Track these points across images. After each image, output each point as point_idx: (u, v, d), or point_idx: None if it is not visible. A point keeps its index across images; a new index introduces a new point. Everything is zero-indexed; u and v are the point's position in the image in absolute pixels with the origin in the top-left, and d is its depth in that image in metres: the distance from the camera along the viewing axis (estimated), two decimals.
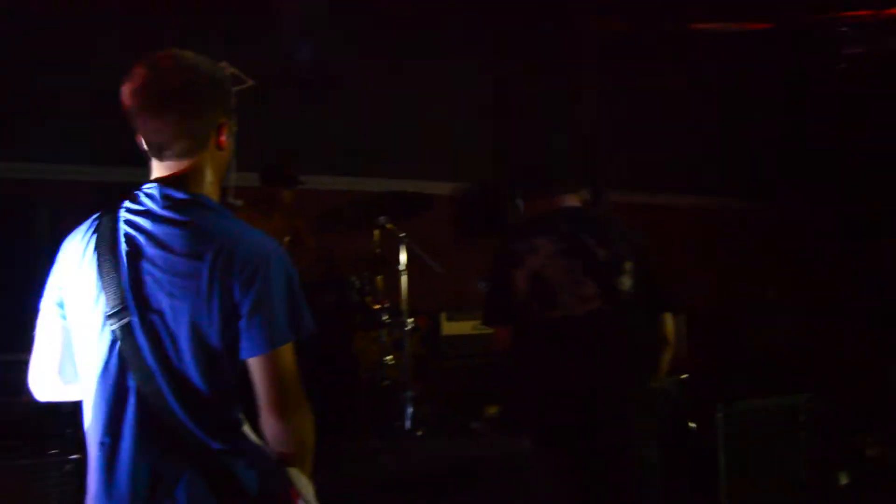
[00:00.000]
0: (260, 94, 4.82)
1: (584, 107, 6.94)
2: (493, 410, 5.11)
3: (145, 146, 1.77)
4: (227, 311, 1.65)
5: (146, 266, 1.68)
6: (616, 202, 6.29)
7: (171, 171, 1.75)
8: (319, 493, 1.73)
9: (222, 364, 1.67)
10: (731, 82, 7.50)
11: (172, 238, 1.68)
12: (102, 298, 1.69)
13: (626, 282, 2.90)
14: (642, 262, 2.96)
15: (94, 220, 1.79)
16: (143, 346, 1.66)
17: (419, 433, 4.77)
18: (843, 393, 4.98)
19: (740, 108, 7.56)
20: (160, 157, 1.76)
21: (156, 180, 1.76)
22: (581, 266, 2.90)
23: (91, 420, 1.73)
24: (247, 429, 1.75)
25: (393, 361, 5.09)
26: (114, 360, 1.69)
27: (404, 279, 5.08)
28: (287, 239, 4.92)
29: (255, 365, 1.68)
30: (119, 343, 1.67)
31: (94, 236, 1.75)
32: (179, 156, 1.75)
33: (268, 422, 1.69)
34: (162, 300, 1.66)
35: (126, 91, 1.71)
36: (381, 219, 5.07)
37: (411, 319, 5.06)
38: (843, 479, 4.60)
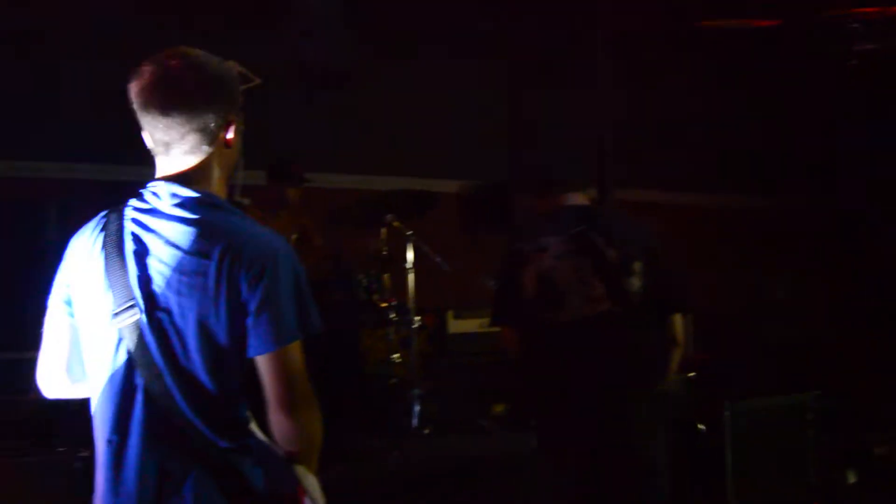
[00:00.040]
0: (268, 93, 4.82)
1: (592, 104, 6.93)
2: (499, 408, 5.12)
3: (152, 144, 1.76)
4: (234, 308, 1.65)
5: (153, 264, 1.68)
6: (622, 200, 6.29)
7: (178, 169, 1.75)
8: (326, 491, 1.74)
9: (230, 362, 1.67)
10: (739, 79, 7.47)
11: (180, 236, 1.68)
12: (109, 297, 1.69)
13: (636, 283, 2.87)
14: (652, 262, 2.92)
15: (101, 218, 1.79)
16: (151, 344, 1.66)
17: (426, 431, 4.78)
18: (850, 391, 4.96)
19: (748, 105, 7.54)
20: (167, 155, 1.75)
21: (162, 178, 1.76)
22: (589, 266, 2.87)
23: (98, 418, 1.74)
24: (254, 427, 1.75)
25: (400, 359, 5.10)
26: (121, 359, 1.69)
27: (411, 277, 5.09)
28: (294, 237, 4.93)
29: (263, 363, 1.68)
30: (126, 341, 1.67)
31: (101, 234, 1.74)
32: (187, 154, 1.74)
33: (276, 419, 1.69)
34: (169, 298, 1.66)
35: (134, 89, 1.71)
36: (389, 217, 5.08)
37: (418, 317, 5.07)
38: (851, 478, 4.58)
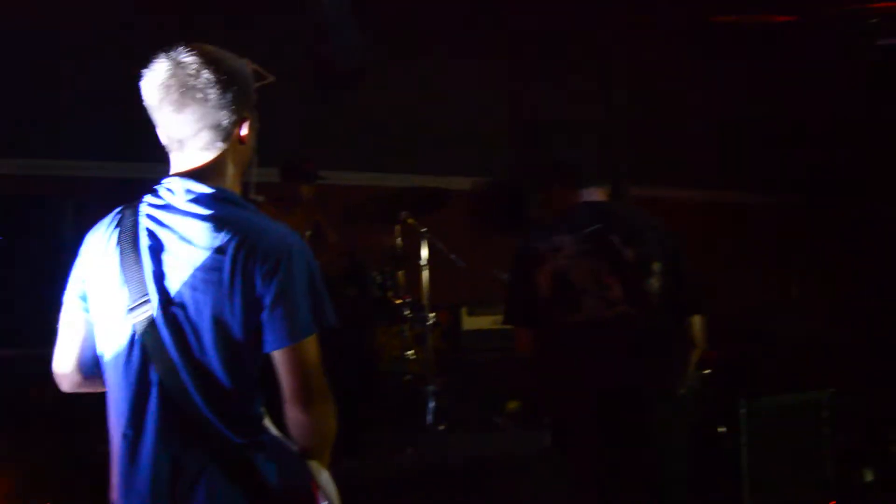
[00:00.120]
0: (281, 91, 4.83)
1: (607, 100, 6.91)
2: (513, 405, 5.11)
3: (166, 140, 1.77)
4: (249, 303, 1.66)
5: (168, 259, 1.69)
6: (636, 196, 6.26)
7: (193, 165, 1.76)
8: (340, 486, 1.74)
9: (244, 357, 1.68)
10: (754, 75, 7.42)
11: (194, 231, 1.69)
12: (124, 292, 1.70)
13: (655, 284, 2.77)
14: (672, 262, 2.81)
15: (116, 214, 1.80)
16: (166, 339, 1.66)
17: (441, 427, 4.79)
18: (867, 389, 4.93)
19: (763, 102, 7.49)
20: (182, 152, 1.76)
21: (177, 174, 1.76)
22: (606, 267, 2.76)
23: (114, 412, 1.75)
24: (268, 422, 1.76)
25: (414, 356, 5.12)
26: (136, 354, 1.70)
27: (425, 274, 5.10)
28: (308, 234, 4.95)
29: (278, 357, 1.68)
30: (141, 336, 1.68)
31: (116, 230, 1.76)
32: (201, 150, 1.75)
33: (291, 413, 1.69)
34: (184, 293, 1.67)
35: (147, 86, 1.72)
36: (403, 214, 5.09)
37: (433, 314, 5.08)
38: (868, 476, 4.55)
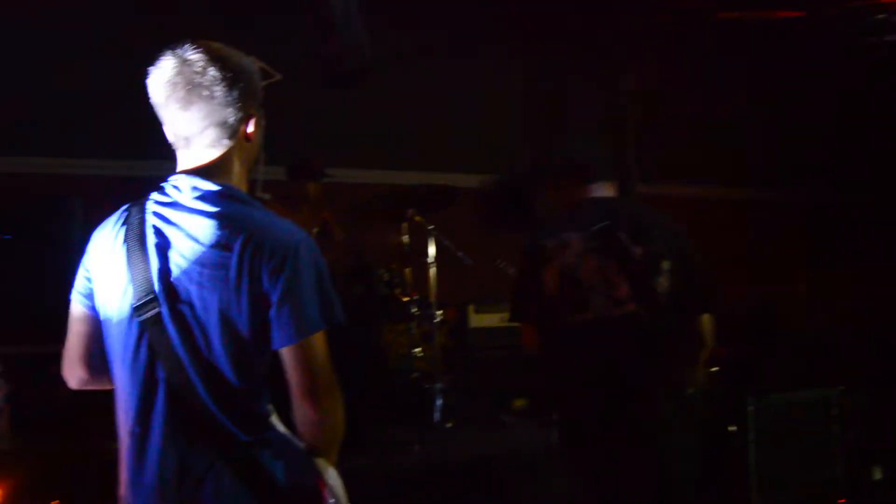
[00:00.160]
0: (289, 88, 4.84)
1: (613, 98, 6.90)
2: (520, 403, 5.12)
3: (173, 138, 1.77)
4: (256, 300, 1.66)
5: (174, 257, 1.69)
6: (643, 193, 6.25)
7: (199, 163, 1.76)
8: (348, 484, 1.74)
9: (252, 354, 1.68)
10: (763, 72, 7.39)
11: (200, 229, 1.69)
12: (131, 290, 1.71)
13: (663, 283, 2.74)
14: (682, 260, 2.78)
15: (123, 212, 1.80)
16: (173, 336, 1.67)
17: (448, 425, 4.79)
18: (876, 386, 4.91)
19: (773, 98, 7.46)
20: (188, 149, 1.76)
21: (183, 171, 1.77)
22: (614, 265, 2.74)
23: (122, 409, 1.75)
24: (275, 420, 1.76)
25: (422, 353, 5.12)
26: (143, 351, 1.70)
27: (433, 272, 5.10)
28: (315, 231, 4.96)
29: (287, 354, 1.68)
30: (148, 334, 1.69)
31: (123, 228, 1.76)
32: (207, 147, 1.75)
33: (300, 409, 1.69)
34: (191, 291, 1.67)
35: (154, 83, 1.72)
36: (410, 212, 5.09)
37: (440, 312, 5.08)
38: (877, 474, 4.53)
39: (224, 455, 1.67)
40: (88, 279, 1.82)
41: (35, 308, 4.15)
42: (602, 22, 6.84)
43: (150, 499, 1.69)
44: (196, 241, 1.68)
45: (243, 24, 5.22)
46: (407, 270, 5.13)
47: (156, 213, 1.74)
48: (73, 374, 1.87)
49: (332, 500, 1.67)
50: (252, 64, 1.81)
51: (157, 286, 1.68)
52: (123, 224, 1.77)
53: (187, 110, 1.71)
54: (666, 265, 2.75)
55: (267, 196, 4.80)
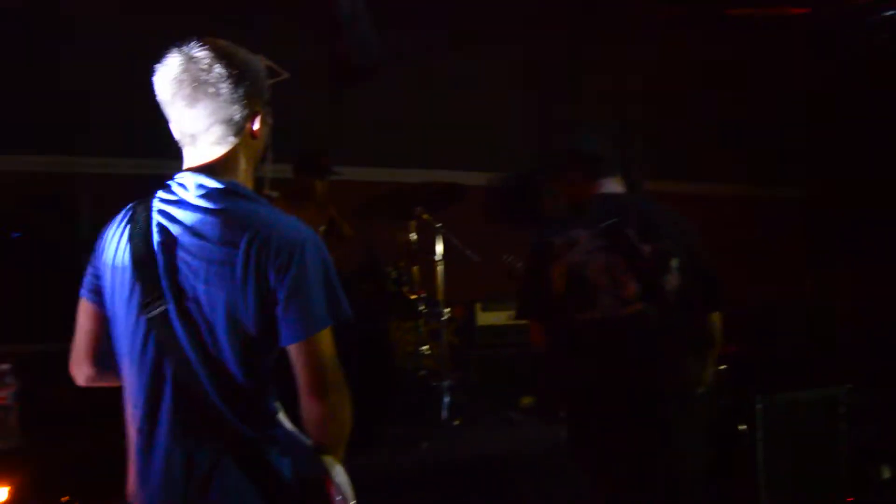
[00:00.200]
0: (298, 87, 4.85)
1: (620, 94, 6.88)
2: (528, 400, 5.12)
3: (179, 135, 1.78)
4: (262, 297, 1.66)
5: (181, 254, 1.70)
6: (648, 191, 6.23)
7: (205, 160, 1.76)
8: (355, 482, 1.74)
9: (258, 351, 1.69)
10: (767, 67, 7.37)
11: (206, 226, 1.69)
12: (138, 288, 1.71)
13: (672, 281, 2.68)
14: (691, 258, 2.73)
15: (129, 210, 1.81)
16: (180, 334, 1.67)
17: (455, 423, 4.79)
18: (884, 384, 4.89)
19: (777, 95, 7.45)
20: (194, 146, 1.77)
21: (189, 169, 1.77)
22: (622, 263, 2.69)
23: (130, 407, 1.76)
24: (282, 417, 1.76)
25: (429, 351, 5.12)
26: (150, 349, 1.71)
27: (440, 269, 5.10)
28: (322, 229, 4.96)
29: (294, 351, 1.69)
30: (155, 331, 1.69)
31: (129, 226, 1.76)
32: (213, 145, 1.75)
33: (307, 404, 1.70)
34: (197, 288, 1.67)
35: (160, 80, 1.73)
36: (418, 209, 5.09)
37: (447, 309, 5.08)
38: (886, 473, 4.52)
39: (231, 452, 1.68)
40: (96, 277, 1.83)
41: (44, 306, 4.17)
42: (609, 17, 6.84)
43: (157, 495, 1.70)
44: (202, 238, 1.69)
45: (251, 23, 5.24)
46: (414, 268, 5.13)
47: (161, 211, 1.74)
48: (81, 371, 1.88)
49: (338, 498, 1.67)
50: (258, 61, 1.81)
51: (163, 284, 1.69)
52: (130, 222, 1.77)
53: (193, 107, 1.71)
54: (674, 263, 2.69)
55: (275, 194, 4.81)
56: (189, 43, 1.73)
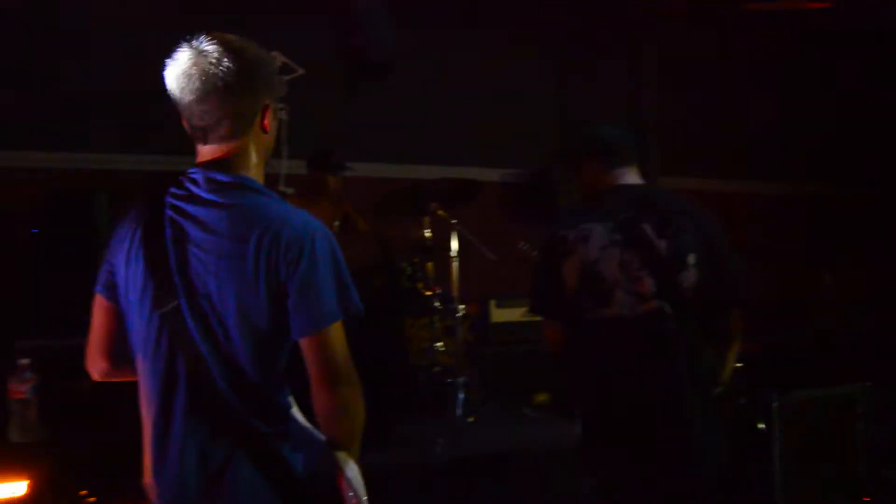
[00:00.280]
0: (313, 83, 4.86)
1: (636, 90, 6.86)
2: (543, 397, 5.11)
3: (190, 130, 1.78)
4: (273, 291, 1.66)
5: (192, 249, 1.70)
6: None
7: (216, 155, 1.76)
8: (369, 478, 1.73)
9: (271, 345, 1.69)
10: (788, 64, 7.32)
11: (217, 221, 1.69)
12: (151, 283, 1.72)
13: (689, 277, 2.61)
14: (711, 253, 2.65)
15: (142, 206, 1.81)
16: (192, 329, 1.67)
17: (470, 419, 4.79)
18: None
19: (794, 92, 7.39)
20: (205, 141, 1.77)
21: (200, 164, 1.77)
22: (638, 259, 2.61)
23: (144, 401, 1.77)
24: (296, 412, 1.77)
25: (444, 348, 5.12)
26: (163, 344, 1.71)
27: (455, 266, 5.10)
28: (336, 224, 4.97)
29: (305, 344, 1.69)
30: (168, 326, 1.70)
31: (142, 222, 1.77)
32: (224, 139, 1.75)
33: (319, 397, 1.70)
34: (209, 283, 1.68)
35: (170, 75, 1.73)
36: (433, 205, 5.09)
37: (462, 306, 5.08)
38: None
39: (244, 446, 1.68)
40: (110, 273, 1.83)
41: (62, 301, 4.20)
42: (626, 14, 6.80)
43: (172, 489, 1.71)
44: (213, 233, 1.69)
45: (267, 19, 5.25)
46: (429, 265, 5.13)
47: (173, 207, 1.74)
48: (96, 365, 1.89)
49: (350, 494, 1.67)
50: (267, 55, 1.81)
51: (175, 279, 1.69)
52: (142, 218, 1.78)
53: (203, 102, 1.71)
54: (692, 258, 2.61)
55: (290, 190, 4.82)
56: (198, 37, 1.73)
